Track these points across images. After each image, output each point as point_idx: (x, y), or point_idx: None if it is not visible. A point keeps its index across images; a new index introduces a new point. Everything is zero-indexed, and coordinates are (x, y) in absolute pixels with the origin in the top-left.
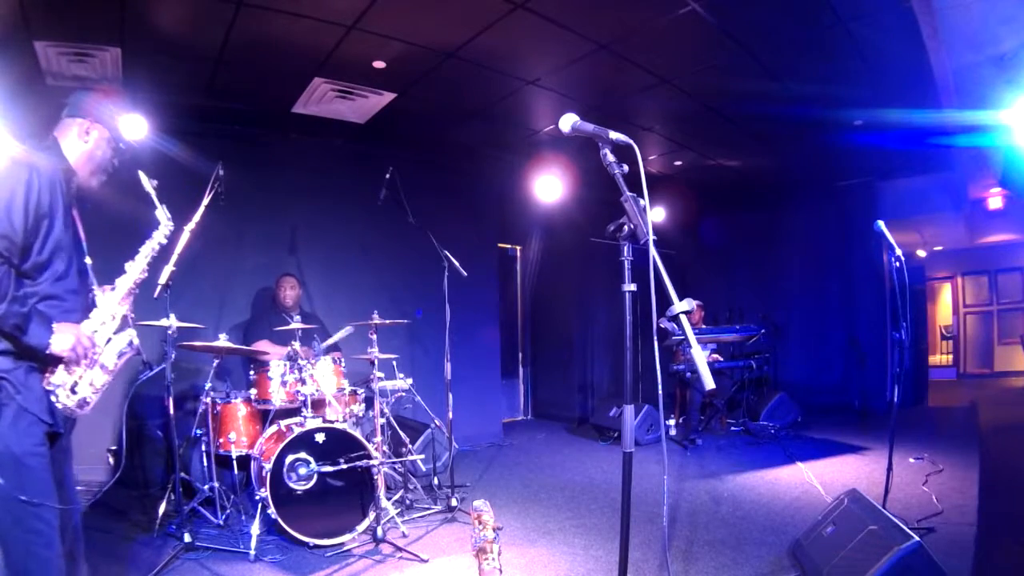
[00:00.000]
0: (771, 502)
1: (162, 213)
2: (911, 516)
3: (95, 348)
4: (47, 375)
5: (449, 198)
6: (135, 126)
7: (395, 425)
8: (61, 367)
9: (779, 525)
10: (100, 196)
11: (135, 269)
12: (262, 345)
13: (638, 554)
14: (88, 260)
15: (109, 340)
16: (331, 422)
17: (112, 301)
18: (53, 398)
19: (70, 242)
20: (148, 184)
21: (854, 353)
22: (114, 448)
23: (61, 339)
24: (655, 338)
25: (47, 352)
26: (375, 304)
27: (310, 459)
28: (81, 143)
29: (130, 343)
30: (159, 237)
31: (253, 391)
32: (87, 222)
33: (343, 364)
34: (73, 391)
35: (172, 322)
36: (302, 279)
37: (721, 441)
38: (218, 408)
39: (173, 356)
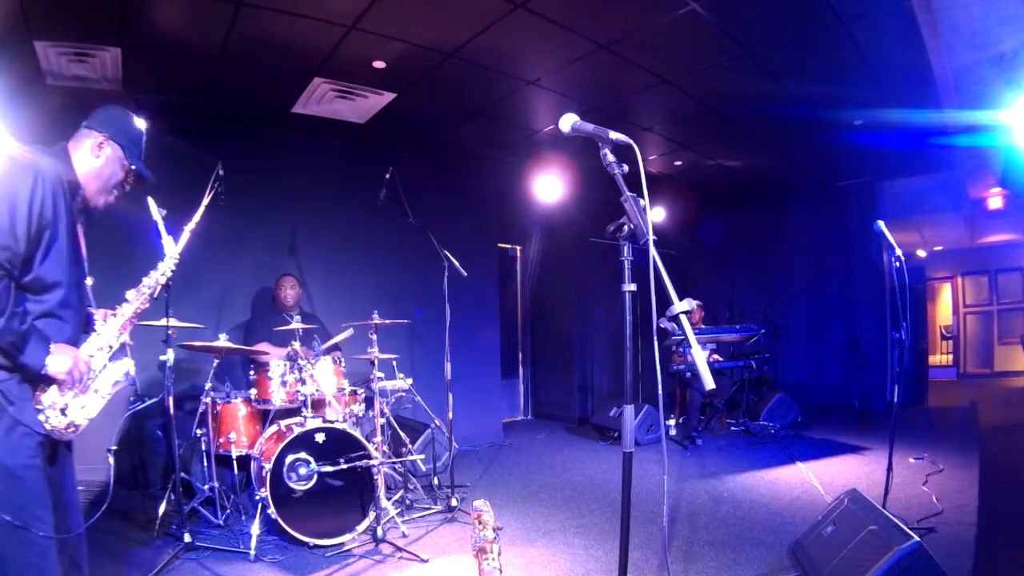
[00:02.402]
0: (771, 502)
1: (169, 243)
2: (911, 516)
3: (91, 373)
4: (38, 393)
5: (449, 198)
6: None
7: (395, 425)
8: (53, 387)
9: (779, 525)
10: (113, 213)
11: (137, 299)
12: (263, 347)
13: (638, 554)
14: (89, 280)
15: (105, 367)
16: (331, 422)
17: (112, 328)
18: (42, 418)
19: (71, 258)
20: (156, 212)
21: (854, 353)
22: (114, 448)
23: (58, 360)
24: (655, 338)
25: (42, 372)
26: (375, 304)
27: (310, 459)
28: (92, 158)
29: (126, 373)
30: (164, 268)
31: (253, 391)
32: (92, 239)
33: (343, 364)
34: (63, 413)
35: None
36: (302, 279)
37: (721, 441)
38: (218, 408)
39: (173, 356)
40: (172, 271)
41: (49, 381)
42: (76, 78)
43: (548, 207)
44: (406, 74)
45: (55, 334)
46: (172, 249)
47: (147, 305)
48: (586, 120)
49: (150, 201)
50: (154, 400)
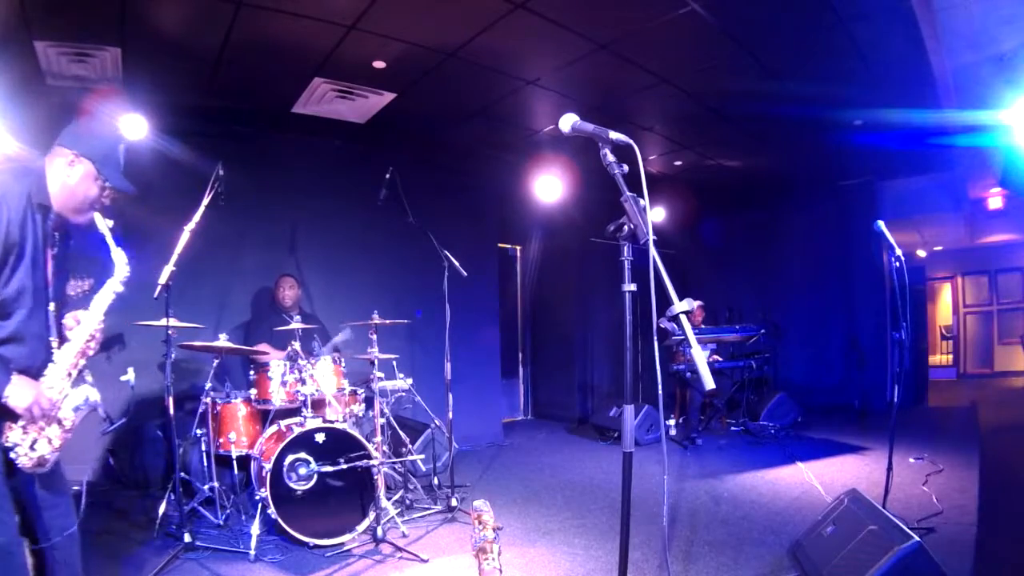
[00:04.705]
0: (771, 502)
1: (119, 256)
2: (911, 516)
3: (54, 408)
4: (6, 432)
5: (449, 198)
6: (135, 126)
7: (395, 425)
8: (18, 428)
9: (779, 525)
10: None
11: (90, 320)
12: (262, 347)
13: (638, 554)
14: (52, 307)
15: (66, 396)
16: (331, 422)
17: (69, 354)
18: (13, 455)
19: (35, 280)
20: (103, 224)
21: (854, 353)
22: (113, 449)
23: (19, 392)
24: (655, 338)
25: (1, 401)
26: (375, 304)
27: (310, 459)
28: (64, 177)
29: (86, 399)
30: (115, 284)
31: (253, 391)
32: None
33: (343, 364)
34: (33, 448)
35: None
36: (302, 279)
37: (721, 441)
38: (218, 408)
39: (173, 356)
40: (123, 285)
41: (11, 416)
42: (76, 78)
43: (548, 207)
44: (406, 74)
45: (23, 361)
46: (122, 261)
47: (103, 325)
48: (586, 120)
49: (96, 215)
50: (121, 422)
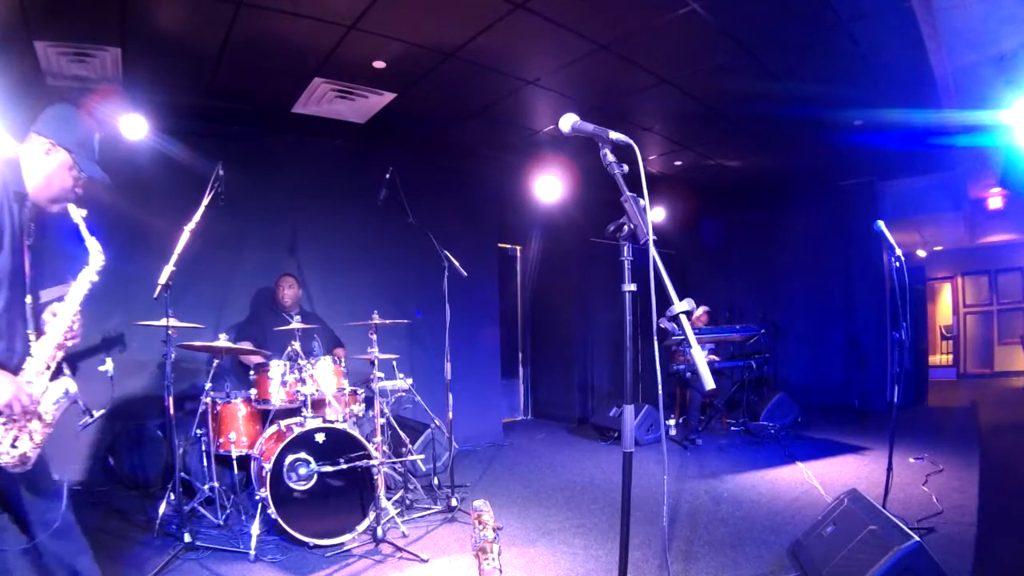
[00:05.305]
0: (771, 502)
1: (93, 246)
2: (911, 516)
3: (33, 403)
4: None
5: (449, 198)
6: (135, 126)
7: (395, 425)
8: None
9: (779, 525)
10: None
11: (67, 312)
12: (245, 345)
13: (638, 554)
14: (28, 299)
15: (46, 389)
16: (331, 422)
17: (47, 347)
18: None
19: (12, 272)
20: (76, 214)
21: (854, 353)
22: (113, 449)
23: None
24: (655, 338)
25: None
26: (375, 304)
27: (310, 459)
28: (39, 165)
29: (66, 391)
30: (90, 274)
31: (253, 391)
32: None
33: (343, 364)
34: (14, 446)
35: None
36: (302, 279)
37: (721, 441)
38: (218, 408)
39: (173, 356)
40: (98, 275)
41: None
42: (76, 78)
43: (548, 207)
44: (406, 74)
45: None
46: (96, 251)
47: (79, 317)
48: (586, 120)
49: (70, 206)
50: (102, 412)
